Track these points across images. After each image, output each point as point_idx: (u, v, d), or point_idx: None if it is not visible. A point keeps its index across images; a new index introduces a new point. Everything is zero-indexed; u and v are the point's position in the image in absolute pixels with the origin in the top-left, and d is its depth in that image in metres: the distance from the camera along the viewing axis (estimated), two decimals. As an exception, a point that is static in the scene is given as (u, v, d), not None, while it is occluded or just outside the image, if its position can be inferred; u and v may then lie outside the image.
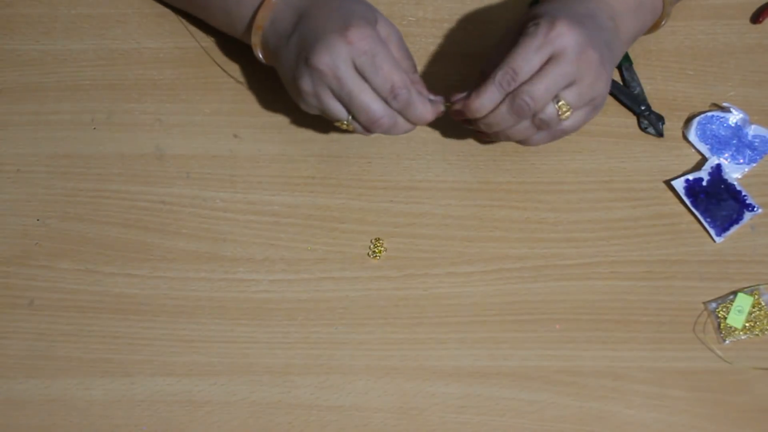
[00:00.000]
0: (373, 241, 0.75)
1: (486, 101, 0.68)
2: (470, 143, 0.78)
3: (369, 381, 0.71)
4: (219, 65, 0.80)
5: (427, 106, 0.68)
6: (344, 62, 0.66)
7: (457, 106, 0.70)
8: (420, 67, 0.80)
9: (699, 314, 0.73)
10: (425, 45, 0.81)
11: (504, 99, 0.67)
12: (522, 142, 0.71)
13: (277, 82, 0.80)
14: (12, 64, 0.81)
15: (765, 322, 0.72)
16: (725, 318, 0.72)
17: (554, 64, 0.66)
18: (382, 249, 0.75)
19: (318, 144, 0.78)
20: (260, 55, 0.74)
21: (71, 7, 0.83)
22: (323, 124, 0.78)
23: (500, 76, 0.67)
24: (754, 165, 0.78)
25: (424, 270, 0.74)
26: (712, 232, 0.75)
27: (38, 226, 0.76)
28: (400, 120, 0.69)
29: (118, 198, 0.77)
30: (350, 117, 0.69)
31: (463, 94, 0.70)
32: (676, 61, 0.80)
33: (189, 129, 0.79)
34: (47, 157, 0.78)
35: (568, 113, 0.68)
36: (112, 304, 0.73)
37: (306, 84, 0.68)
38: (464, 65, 0.81)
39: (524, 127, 0.69)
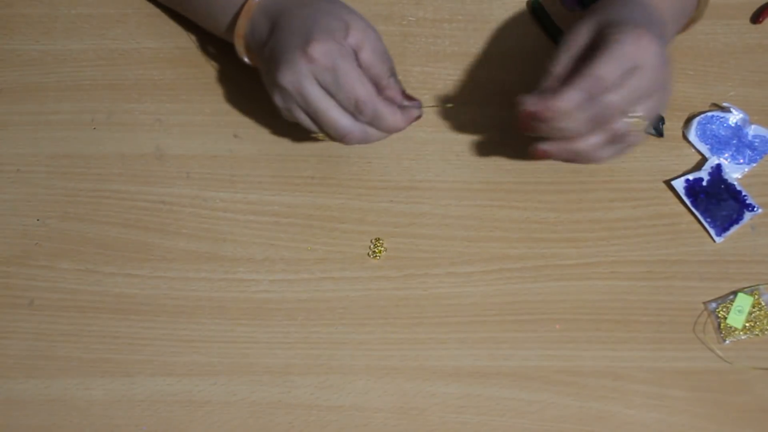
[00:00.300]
0: (373, 241, 0.75)
1: (567, 103, 0.64)
2: (470, 143, 0.78)
3: (369, 381, 0.71)
4: (213, 65, 0.80)
5: (396, 116, 0.67)
6: (307, 79, 0.65)
7: (532, 107, 0.66)
8: (420, 67, 0.80)
9: (699, 314, 0.73)
10: (425, 45, 0.81)
11: (583, 105, 0.65)
12: (587, 156, 0.68)
13: (277, 82, 0.80)
14: (12, 64, 0.81)
15: (765, 322, 0.72)
16: (725, 318, 0.72)
17: (637, 77, 0.65)
18: (382, 249, 0.75)
19: (318, 144, 0.78)
20: (247, 60, 0.73)
21: (71, 7, 0.83)
22: (323, 124, 0.78)
23: (585, 81, 0.64)
24: (754, 165, 0.78)
25: (424, 270, 0.74)
26: (712, 232, 0.75)
27: (38, 226, 0.76)
28: (371, 130, 0.68)
29: (118, 198, 0.77)
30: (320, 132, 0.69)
31: (535, 96, 0.66)
32: (676, 61, 0.80)
33: (189, 129, 0.79)
34: (47, 157, 0.78)
35: (640, 126, 0.66)
36: (112, 304, 0.73)
37: (278, 100, 0.68)
38: (464, 65, 0.81)
39: (595, 138, 0.66)
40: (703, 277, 0.74)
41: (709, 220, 0.75)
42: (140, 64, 0.81)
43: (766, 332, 0.72)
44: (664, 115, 0.79)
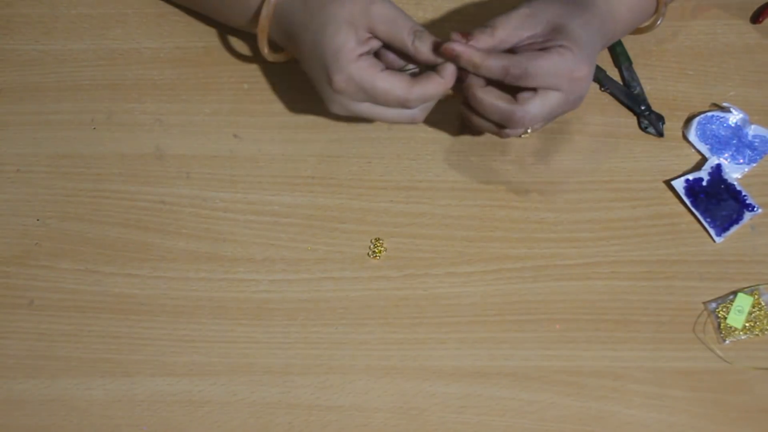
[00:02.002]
0: (373, 241, 0.75)
1: (486, 70, 0.67)
2: (470, 143, 0.78)
3: (369, 381, 0.71)
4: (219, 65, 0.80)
5: (438, 84, 0.67)
6: (350, 103, 0.69)
7: (460, 48, 0.67)
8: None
9: (699, 314, 0.73)
10: (425, 45, 0.81)
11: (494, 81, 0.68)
12: (467, 118, 0.72)
13: (277, 82, 0.80)
14: (12, 64, 0.81)
15: (765, 322, 0.72)
16: (725, 318, 0.72)
17: (557, 98, 0.68)
18: (382, 249, 0.75)
19: (318, 144, 0.78)
20: (265, 51, 0.74)
21: (71, 7, 0.83)
22: (323, 124, 0.78)
23: (512, 66, 0.67)
24: (754, 165, 0.78)
25: (424, 270, 0.74)
26: (712, 232, 0.75)
27: (38, 226, 0.76)
28: (429, 103, 0.70)
29: (118, 198, 0.77)
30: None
31: (466, 39, 0.68)
32: (676, 61, 0.80)
33: (189, 129, 0.79)
34: (47, 157, 0.78)
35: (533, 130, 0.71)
36: (112, 304, 0.73)
37: (337, 112, 0.71)
38: (464, 65, 0.81)
39: (485, 124, 0.70)
40: (703, 277, 0.74)
41: (709, 220, 0.75)
42: (140, 64, 0.81)
43: (766, 332, 0.72)
44: (663, 115, 0.79)
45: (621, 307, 0.73)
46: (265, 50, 0.73)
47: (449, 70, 0.68)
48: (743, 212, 0.76)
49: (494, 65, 0.67)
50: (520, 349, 0.72)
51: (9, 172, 0.77)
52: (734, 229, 0.75)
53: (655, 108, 0.79)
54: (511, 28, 0.68)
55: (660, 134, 0.78)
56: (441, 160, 0.77)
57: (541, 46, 0.68)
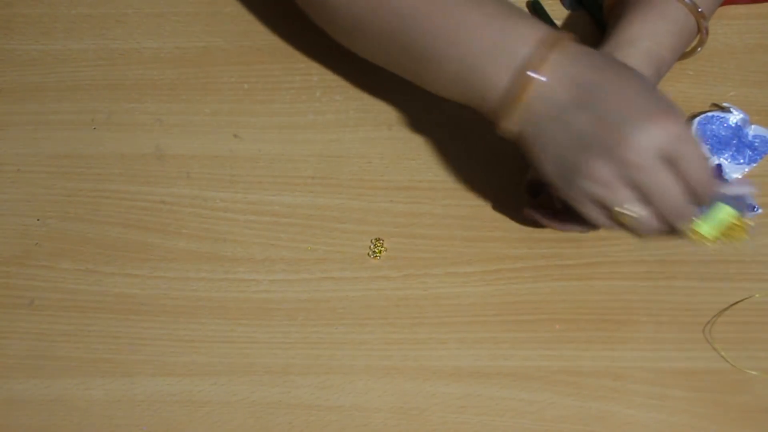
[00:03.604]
0: (373, 241, 0.75)
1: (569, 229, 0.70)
2: (470, 143, 0.78)
3: (369, 381, 0.71)
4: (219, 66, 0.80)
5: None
6: (657, 154, 0.58)
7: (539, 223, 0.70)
8: (420, 67, 0.80)
9: (700, 314, 0.73)
10: (425, 45, 0.81)
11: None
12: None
13: (277, 82, 0.80)
14: (12, 64, 0.81)
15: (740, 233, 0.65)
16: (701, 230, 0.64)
17: None
18: (382, 249, 0.75)
19: (318, 144, 0.78)
20: (511, 130, 0.64)
21: (71, 7, 0.83)
22: (323, 124, 0.78)
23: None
24: (754, 165, 0.78)
25: (424, 270, 0.74)
26: (712, 232, 0.75)
27: (38, 226, 0.76)
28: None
29: (118, 198, 0.77)
30: (636, 209, 0.61)
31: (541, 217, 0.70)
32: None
33: (189, 129, 0.79)
34: (47, 157, 0.78)
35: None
36: (112, 304, 0.73)
37: (600, 173, 0.59)
38: (464, 65, 0.81)
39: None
40: (703, 277, 0.74)
41: (709, 220, 0.75)
42: (140, 64, 0.81)
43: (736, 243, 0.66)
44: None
45: (621, 307, 0.73)
46: (514, 128, 0.63)
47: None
48: (743, 212, 0.75)
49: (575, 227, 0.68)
50: (520, 349, 0.72)
51: (9, 172, 0.77)
52: (734, 229, 0.75)
53: (655, 108, 0.78)
54: None
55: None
56: (441, 160, 0.77)
57: None
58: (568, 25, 0.83)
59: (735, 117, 0.78)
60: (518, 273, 0.74)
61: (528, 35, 0.62)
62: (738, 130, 0.78)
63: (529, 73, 0.61)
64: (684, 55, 0.77)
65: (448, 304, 0.73)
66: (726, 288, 0.74)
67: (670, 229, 0.62)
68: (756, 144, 0.78)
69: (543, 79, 0.61)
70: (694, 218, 0.62)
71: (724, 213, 0.64)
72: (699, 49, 0.77)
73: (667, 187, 0.60)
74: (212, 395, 0.71)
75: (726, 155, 0.78)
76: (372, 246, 0.75)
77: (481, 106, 0.65)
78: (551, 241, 0.75)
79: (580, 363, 0.72)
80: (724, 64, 0.81)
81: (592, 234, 0.75)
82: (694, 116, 0.78)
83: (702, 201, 0.61)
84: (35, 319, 0.73)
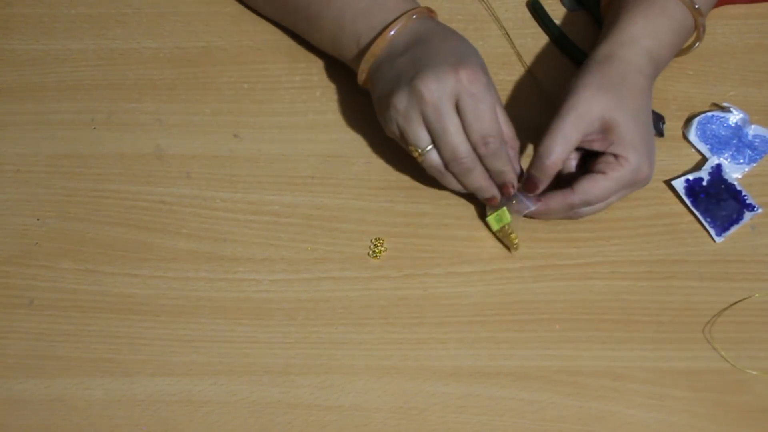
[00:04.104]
0: (373, 241, 0.75)
1: (554, 212, 0.73)
2: (470, 143, 0.78)
3: (369, 381, 0.71)
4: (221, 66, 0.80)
5: (509, 167, 0.70)
6: (448, 97, 0.67)
7: (526, 210, 0.73)
8: (420, 67, 0.80)
9: (700, 314, 0.73)
10: (425, 45, 0.81)
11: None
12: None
13: (277, 82, 0.80)
14: (12, 64, 0.81)
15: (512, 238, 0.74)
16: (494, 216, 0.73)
17: (621, 193, 0.72)
18: (382, 249, 0.75)
19: (318, 144, 0.78)
20: (362, 78, 0.74)
21: (71, 7, 0.83)
22: (323, 124, 0.78)
23: (576, 204, 0.71)
24: (754, 165, 0.78)
25: (424, 270, 0.74)
26: (712, 232, 0.75)
27: (38, 226, 0.76)
28: (479, 169, 0.70)
29: (118, 198, 0.77)
30: (428, 148, 0.69)
31: (537, 201, 0.72)
32: (675, 61, 0.80)
33: (189, 129, 0.79)
34: (47, 157, 0.78)
35: None
36: (112, 304, 0.73)
37: (400, 102, 0.68)
38: (464, 65, 0.81)
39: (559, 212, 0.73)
40: (703, 277, 0.74)
41: (709, 220, 0.75)
42: (140, 64, 0.81)
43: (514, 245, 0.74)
44: (663, 114, 0.79)
45: (621, 307, 0.73)
46: (363, 76, 0.73)
47: (493, 194, 0.71)
48: (743, 212, 0.76)
49: (558, 209, 0.72)
50: (520, 349, 0.72)
51: (9, 172, 0.77)
52: (734, 229, 0.75)
53: (654, 108, 0.78)
54: (567, 142, 0.70)
55: (660, 134, 0.78)
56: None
57: (594, 146, 0.70)
58: (568, 25, 0.83)
59: (735, 117, 0.78)
60: (518, 273, 0.74)
61: (392, 5, 0.72)
62: (738, 130, 0.78)
63: (385, 33, 0.71)
64: (681, 52, 0.78)
65: (448, 304, 0.73)
66: (726, 288, 0.74)
67: (463, 185, 0.71)
68: (756, 144, 0.78)
69: (392, 33, 0.71)
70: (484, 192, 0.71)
71: (504, 216, 0.72)
72: (697, 44, 0.77)
73: (450, 131, 0.67)
74: (212, 395, 0.71)
75: (726, 155, 0.78)
76: (372, 246, 0.75)
77: (348, 60, 0.75)
78: (551, 241, 0.75)
79: (580, 363, 0.72)
80: (724, 64, 0.81)
81: (591, 234, 0.75)
82: (694, 116, 0.78)
83: (488, 149, 0.68)
84: (35, 318, 0.73)
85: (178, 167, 0.77)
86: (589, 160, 0.73)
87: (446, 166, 0.70)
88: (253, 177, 0.77)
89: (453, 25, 0.82)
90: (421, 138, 0.69)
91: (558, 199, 0.71)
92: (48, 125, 0.79)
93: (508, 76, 0.81)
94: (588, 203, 0.71)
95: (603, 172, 0.70)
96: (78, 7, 0.83)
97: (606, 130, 0.70)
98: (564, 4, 0.84)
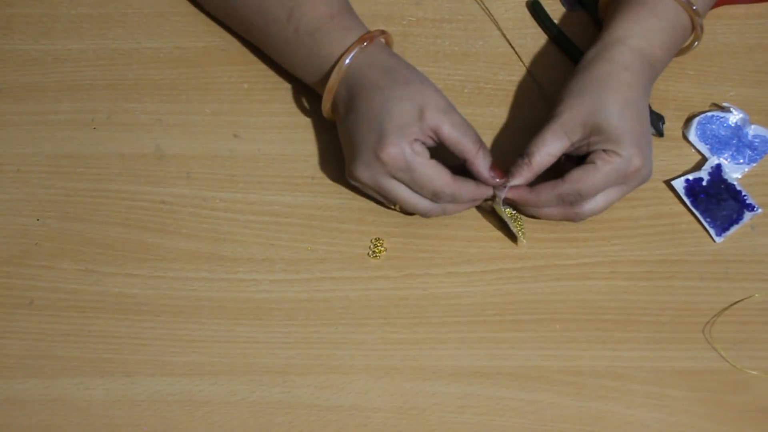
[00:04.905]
0: (373, 241, 0.75)
1: (543, 204, 0.72)
2: (470, 143, 0.78)
3: (369, 381, 0.71)
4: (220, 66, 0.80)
5: (473, 192, 0.71)
6: (383, 177, 0.70)
7: (511, 195, 0.72)
8: (420, 67, 0.80)
9: (700, 314, 0.73)
10: (425, 45, 0.82)
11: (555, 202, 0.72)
12: (537, 213, 0.75)
13: (277, 82, 0.81)
14: (12, 64, 0.81)
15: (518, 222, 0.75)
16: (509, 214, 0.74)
17: (616, 192, 0.72)
18: (382, 249, 0.75)
19: (318, 144, 0.78)
20: (327, 114, 0.75)
21: (71, 7, 0.83)
22: (323, 124, 0.78)
23: (566, 194, 0.70)
24: (754, 165, 0.78)
25: (424, 270, 0.74)
26: (712, 232, 0.75)
27: (38, 226, 0.76)
28: (449, 206, 0.73)
29: (118, 198, 0.77)
30: (397, 206, 0.73)
31: (519, 185, 0.72)
32: (675, 61, 0.80)
33: (189, 129, 0.79)
34: (47, 157, 0.78)
35: None
36: (112, 304, 0.73)
37: (354, 181, 0.72)
38: (464, 65, 0.81)
39: (553, 212, 0.73)
40: (703, 277, 0.74)
41: (709, 220, 0.75)
42: (140, 64, 0.81)
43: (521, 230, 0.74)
44: (663, 114, 0.79)
45: (621, 307, 0.73)
46: (327, 107, 0.74)
47: (483, 191, 0.72)
48: (743, 212, 0.76)
49: (548, 198, 0.71)
50: (520, 349, 0.72)
51: (9, 172, 0.77)
52: (734, 229, 0.75)
53: (654, 108, 0.79)
54: (547, 150, 0.70)
55: (660, 134, 0.78)
56: (440, 160, 0.77)
57: (587, 149, 0.71)
58: (568, 25, 0.83)
59: (735, 117, 0.78)
60: (518, 273, 0.74)
61: (326, 52, 0.73)
62: (738, 130, 0.78)
63: (324, 100, 0.73)
64: (680, 52, 0.78)
65: (448, 304, 0.73)
66: (726, 288, 0.74)
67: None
68: (756, 144, 0.78)
69: (331, 93, 0.72)
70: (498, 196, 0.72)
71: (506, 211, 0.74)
72: (696, 43, 0.77)
73: (402, 199, 0.71)
74: (212, 395, 0.71)
75: (726, 155, 0.78)
76: (372, 246, 0.75)
77: (318, 89, 0.76)
78: (551, 241, 0.75)
79: (580, 363, 0.72)
80: (724, 64, 0.81)
81: (591, 234, 0.75)
82: (694, 116, 0.79)
83: (442, 201, 0.71)
84: (35, 319, 0.73)
85: (178, 167, 0.77)
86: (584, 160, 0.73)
87: (423, 216, 0.74)
88: (253, 177, 0.77)
89: (453, 25, 0.82)
90: (386, 203, 0.74)
91: (547, 189, 0.71)
92: (48, 125, 0.79)
93: (508, 76, 0.81)
94: (579, 194, 0.70)
95: (593, 163, 0.70)
96: (78, 7, 0.83)
97: (592, 133, 0.70)
98: (564, 4, 0.84)
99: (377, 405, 0.71)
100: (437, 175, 0.70)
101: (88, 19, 0.82)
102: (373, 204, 0.76)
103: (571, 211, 0.72)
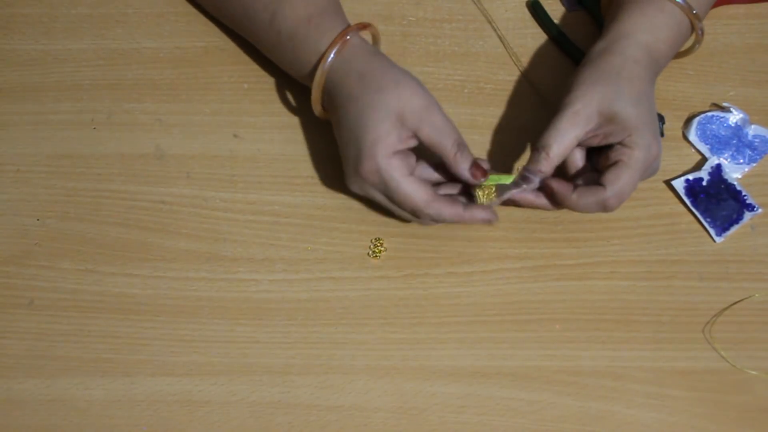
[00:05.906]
0: (373, 241, 0.75)
1: (582, 209, 0.70)
2: (469, 143, 0.78)
3: (369, 381, 0.71)
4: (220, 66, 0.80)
5: (457, 213, 0.69)
6: (370, 189, 0.70)
7: (555, 185, 0.70)
8: (420, 67, 0.80)
9: (700, 314, 0.73)
10: (425, 45, 0.82)
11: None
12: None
13: (277, 82, 0.80)
14: (12, 64, 0.81)
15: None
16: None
17: (641, 174, 0.70)
18: (382, 249, 0.75)
19: (318, 144, 0.78)
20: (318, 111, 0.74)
21: (71, 7, 0.83)
22: (323, 124, 0.78)
23: (607, 199, 0.69)
24: (754, 165, 0.78)
25: (424, 270, 0.74)
26: (712, 232, 0.75)
27: (38, 226, 0.76)
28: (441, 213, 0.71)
29: (118, 198, 0.77)
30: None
31: (559, 182, 0.70)
32: (675, 61, 0.80)
33: (189, 129, 0.79)
34: (47, 157, 0.78)
35: None
36: (112, 304, 0.73)
37: (354, 189, 0.72)
38: (464, 65, 0.81)
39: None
40: (703, 277, 0.74)
41: (709, 220, 0.75)
42: (140, 64, 0.81)
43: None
44: (663, 114, 0.79)
45: (621, 307, 0.73)
46: (318, 111, 0.73)
47: (475, 214, 0.70)
48: (743, 212, 0.76)
49: (592, 204, 0.69)
50: (520, 349, 0.72)
51: (9, 172, 0.77)
52: (734, 229, 0.75)
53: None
54: (563, 139, 0.69)
55: (660, 134, 0.78)
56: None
57: (599, 141, 0.70)
58: (568, 25, 0.83)
59: (735, 117, 0.78)
60: (518, 273, 0.74)
61: (307, 57, 0.72)
62: (738, 130, 0.78)
63: (313, 102, 0.73)
64: (681, 54, 0.78)
65: (448, 304, 0.73)
66: (726, 288, 0.74)
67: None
68: (756, 144, 0.78)
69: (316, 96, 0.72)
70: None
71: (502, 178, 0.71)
72: (696, 46, 0.77)
73: (392, 209, 0.71)
74: (212, 395, 0.71)
75: (726, 155, 0.78)
76: (372, 246, 0.75)
77: (309, 85, 0.74)
78: (551, 241, 0.75)
79: (580, 363, 0.72)
80: (724, 64, 0.81)
81: (592, 234, 0.75)
82: (694, 116, 0.79)
83: (423, 220, 0.71)
84: (35, 319, 0.73)
85: (178, 167, 0.77)
86: (594, 156, 0.72)
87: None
88: (253, 177, 0.77)
89: (453, 25, 0.82)
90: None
91: (590, 198, 0.69)
92: (48, 125, 0.79)
93: (508, 76, 0.81)
94: (620, 196, 0.69)
95: (620, 160, 0.69)
96: (78, 7, 0.83)
97: (607, 122, 0.69)
98: (564, 4, 0.84)
99: (377, 405, 0.71)
100: (414, 192, 0.68)
101: (88, 19, 0.82)
102: (373, 204, 0.76)
103: (601, 204, 0.70)
